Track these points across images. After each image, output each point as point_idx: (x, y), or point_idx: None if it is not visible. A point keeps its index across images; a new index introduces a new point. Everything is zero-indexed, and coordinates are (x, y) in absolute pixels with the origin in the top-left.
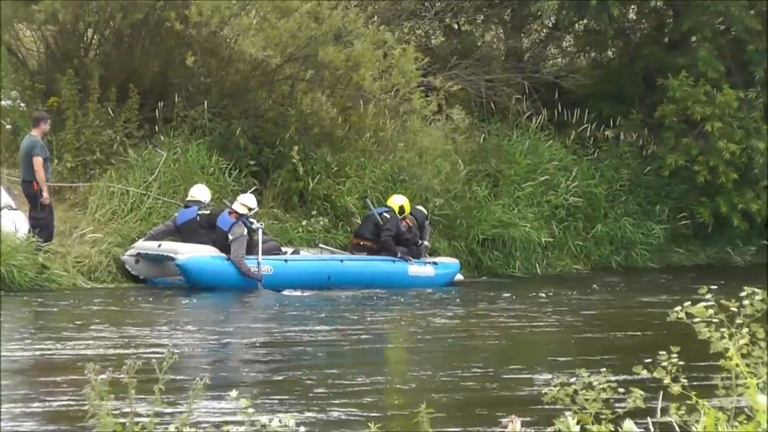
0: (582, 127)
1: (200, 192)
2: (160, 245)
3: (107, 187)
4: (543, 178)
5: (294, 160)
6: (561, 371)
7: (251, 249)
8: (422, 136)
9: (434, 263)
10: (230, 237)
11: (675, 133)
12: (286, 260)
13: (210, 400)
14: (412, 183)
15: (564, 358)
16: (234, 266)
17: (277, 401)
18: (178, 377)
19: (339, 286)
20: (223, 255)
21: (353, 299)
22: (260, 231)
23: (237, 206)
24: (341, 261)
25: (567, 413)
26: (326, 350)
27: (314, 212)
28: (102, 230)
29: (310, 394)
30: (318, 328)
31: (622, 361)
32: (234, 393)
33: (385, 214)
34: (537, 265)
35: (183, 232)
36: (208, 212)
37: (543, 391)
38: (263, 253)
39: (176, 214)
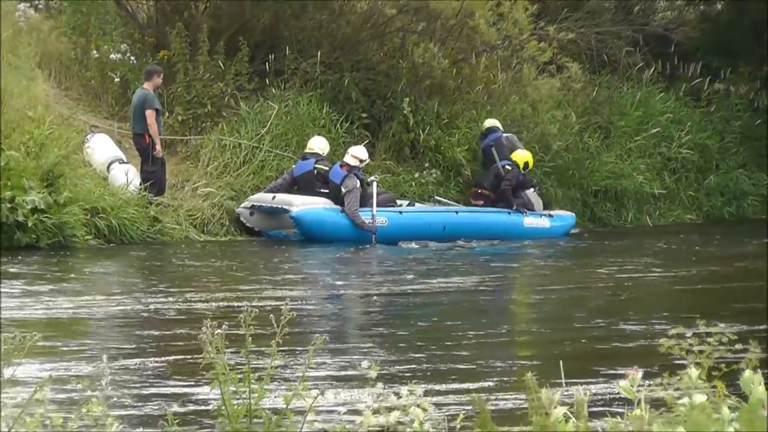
0: (694, 81)
1: (318, 144)
2: (274, 197)
3: (219, 140)
4: (655, 130)
5: (405, 112)
6: (676, 322)
7: (365, 201)
8: (537, 86)
9: (550, 215)
10: (343, 190)
11: None
12: (401, 212)
13: (324, 354)
14: (525, 134)
15: (680, 310)
16: (348, 219)
17: (392, 356)
18: (293, 330)
19: (454, 238)
20: (337, 207)
21: (468, 251)
22: (375, 184)
23: (348, 158)
24: (456, 212)
25: (691, 366)
26: (441, 303)
27: (426, 164)
28: (214, 183)
29: (426, 348)
30: (432, 280)
31: (739, 312)
32: (365, 364)
33: (507, 167)
34: (649, 216)
35: (299, 184)
36: (326, 166)
37: (660, 341)
38: (378, 206)
39: (293, 166)
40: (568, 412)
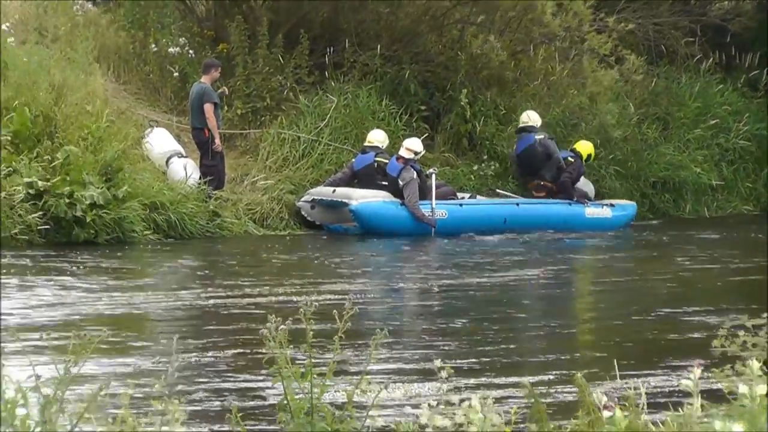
0: (753, 72)
1: (378, 137)
2: (334, 191)
3: (278, 134)
4: (713, 121)
5: (462, 103)
6: (735, 314)
7: (424, 194)
8: (597, 78)
9: (611, 205)
10: (400, 182)
11: None
12: (461, 204)
13: (386, 349)
14: (584, 126)
15: (738, 301)
16: (408, 211)
17: (453, 349)
18: (354, 324)
19: (515, 230)
20: (397, 200)
21: (528, 243)
22: (434, 176)
23: (403, 151)
24: (517, 204)
25: (752, 359)
26: (500, 296)
27: (485, 156)
28: (273, 177)
29: (485, 341)
30: (492, 273)
31: None
32: (437, 362)
33: (570, 158)
34: (707, 207)
35: (360, 178)
36: (386, 159)
37: (716, 335)
38: (437, 198)
39: (353, 160)
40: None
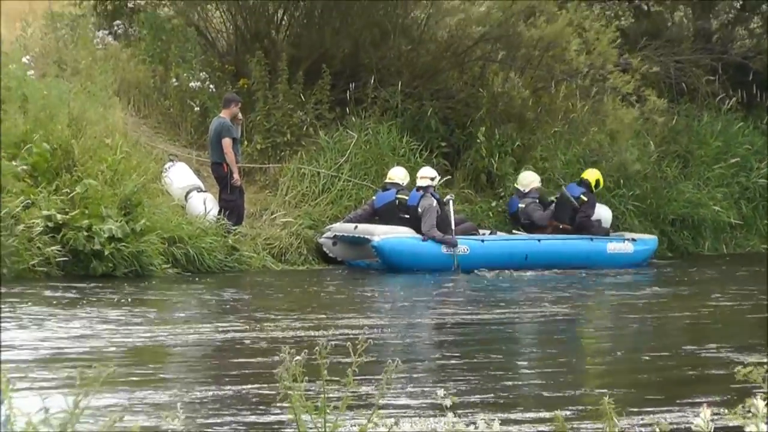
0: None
1: (398, 174)
2: (356, 227)
3: (298, 169)
4: (734, 160)
5: (479, 140)
6: (753, 351)
7: (444, 227)
8: (618, 116)
9: (633, 240)
10: (419, 210)
11: None
12: (482, 240)
13: (401, 383)
14: (604, 164)
15: (757, 338)
16: (430, 247)
17: (468, 384)
18: (370, 359)
19: (537, 267)
20: (419, 236)
21: (548, 279)
22: (451, 202)
23: (419, 181)
24: (539, 241)
25: (757, 395)
26: (518, 332)
27: (502, 192)
28: (292, 212)
29: (502, 377)
30: (511, 309)
31: None
32: (440, 392)
33: (583, 197)
34: (725, 245)
35: (381, 215)
36: (407, 196)
37: (735, 369)
38: (459, 234)
39: (374, 197)
40: None
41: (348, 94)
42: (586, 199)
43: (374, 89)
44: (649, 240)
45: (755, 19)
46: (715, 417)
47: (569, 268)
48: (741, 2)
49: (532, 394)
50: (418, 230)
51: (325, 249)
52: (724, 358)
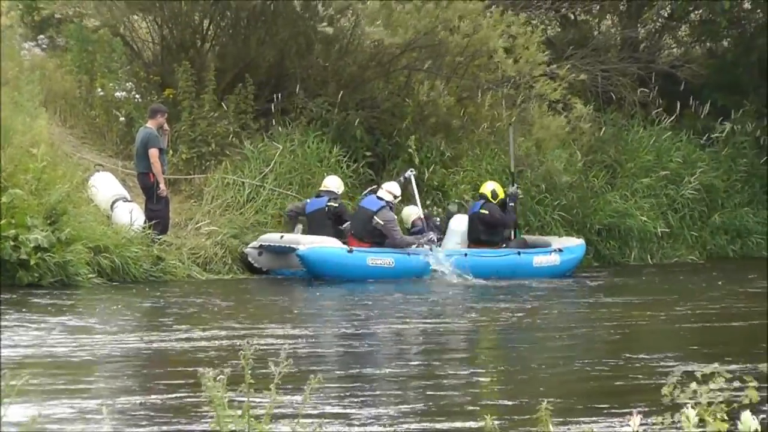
0: (703, 118)
1: (333, 183)
2: (282, 236)
3: (222, 179)
4: (665, 172)
5: (410, 150)
6: (680, 361)
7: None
8: (545, 124)
9: (559, 251)
10: (380, 221)
11: None
12: (408, 254)
13: (324, 393)
14: (530, 173)
15: (683, 349)
16: (355, 258)
17: (390, 396)
18: (297, 368)
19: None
20: (345, 246)
21: (472, 290)
22: (412, 177)
23: (383, 193)
24: (465, 255)
25: (687, 406)
26: (442, 342)
27: (428, 202)
28: (217, 222)
29: (425, 387)
30: (435, 319)
31: (741, 351)
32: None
33: (483, 210)
34: (651, 255)
35: (310, 221)
36: (336, 205)
37: (663, 390)
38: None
39: (307, 201)
40: None
41: (273, 105)
42: (486, 211)
43: (300, 99)
44: (575, 248)
45: (683, 28)
46: (645, 427)
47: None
48: (669, 11)
49: (456, 405)
50: (361, 232)
51: (250, 259)
52: (652, 368)
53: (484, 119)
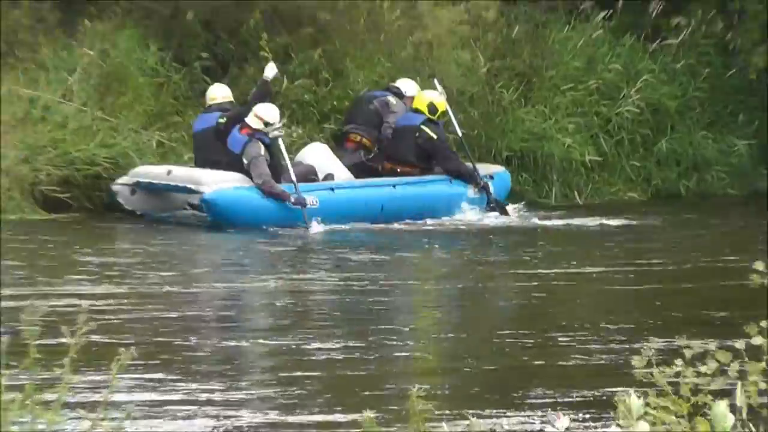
0: (653, 16)
1: (222, 92)
2: (169, 172)
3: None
4: (595, 85)
5: (264, 52)
6: (618, 335)
7: (278, 173)
8: (437, 17)
9: (491, 177)
10: (244, 160)
11: (760, 23)
12: (332, 188)
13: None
14: (419, 81)
15: (622, 320)
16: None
17: (239, 376)
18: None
19: (392, 219)
20: (254, 185)
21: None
22: (280, 140)
23: (250, 119)
24: (394, 186)
25: (629, 391)
26: (324, 305)
27: (285, 120)
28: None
29: (290, 367)
30: (329, 276)
31: (697, 322)
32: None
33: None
34: (578, 192)
35: (196, 143)
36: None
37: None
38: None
39: (195, 118)
40: None
41: None
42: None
43: None
44: (502, 173)
45: None
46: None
47: (429, 217)
48: None
49: (327, 391)
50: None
51: (119, 199)
52: (582, 344)
53: (359, 14)
